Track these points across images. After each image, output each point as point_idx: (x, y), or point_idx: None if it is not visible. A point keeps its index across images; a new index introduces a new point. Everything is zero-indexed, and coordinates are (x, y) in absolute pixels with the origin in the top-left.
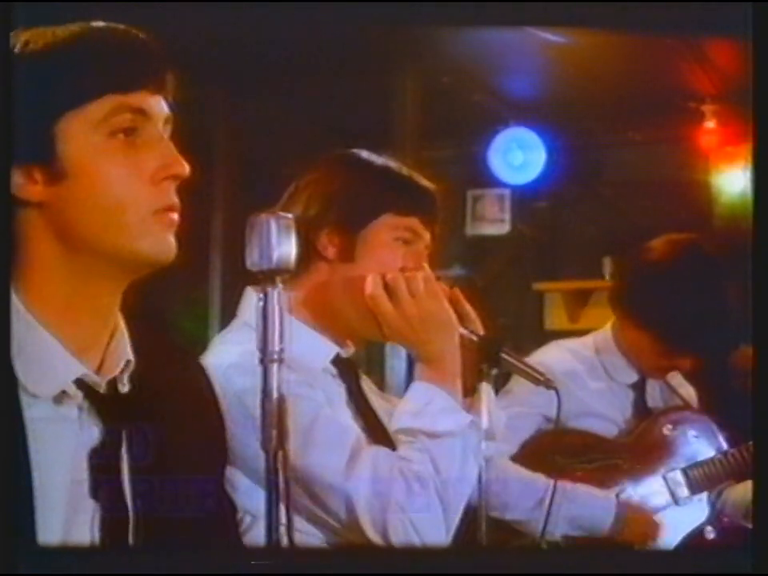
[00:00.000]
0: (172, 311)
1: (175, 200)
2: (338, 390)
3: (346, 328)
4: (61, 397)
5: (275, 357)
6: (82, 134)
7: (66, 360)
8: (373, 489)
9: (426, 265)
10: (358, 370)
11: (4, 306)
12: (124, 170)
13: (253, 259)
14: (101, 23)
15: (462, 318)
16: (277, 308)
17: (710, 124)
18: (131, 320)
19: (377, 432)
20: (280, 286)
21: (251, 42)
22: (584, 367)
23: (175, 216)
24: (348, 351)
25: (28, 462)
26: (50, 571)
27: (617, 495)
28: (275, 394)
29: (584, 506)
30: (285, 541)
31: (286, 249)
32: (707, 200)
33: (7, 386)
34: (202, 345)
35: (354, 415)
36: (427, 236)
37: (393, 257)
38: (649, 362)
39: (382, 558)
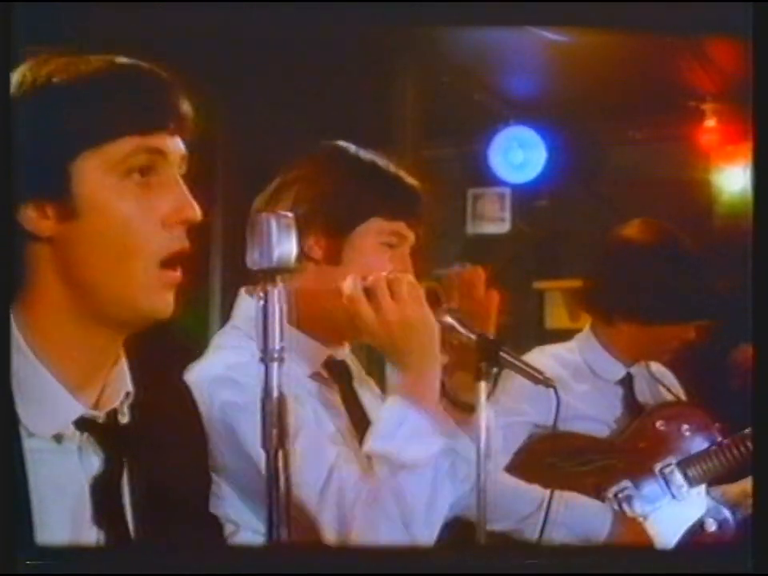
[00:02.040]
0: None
1: (185, 245)
2: (328, 395)
3: (336, 330)
4: (60, 436)
5: (275, 356)
6: (98, 173)
7: (64, 400)
8: (337, 515)
9: (410, 268)
10: (351, 371)
11: (4, 332)
12: (136, 211)
13: (253, 258)
14: (125, 60)
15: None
16: (277, 307)
17: (711, 122)
18: (131, 352)
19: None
20: (281, 284)
21: (251, 41)
22: (568, 371)
23: (178, 274)
24: (342, 352)
25: (27, 493)
26: (50, 571)
27: (616, 497)
28: (275, 393)
29: (581, 514)
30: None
31: (287, 247)
32: (707, 198)
33: (7, 415)
34: (202, 346)
35: (346, 419)
36: (412, 237)
37: (379, 261)
38: (635, 352)
39: (382, 558)
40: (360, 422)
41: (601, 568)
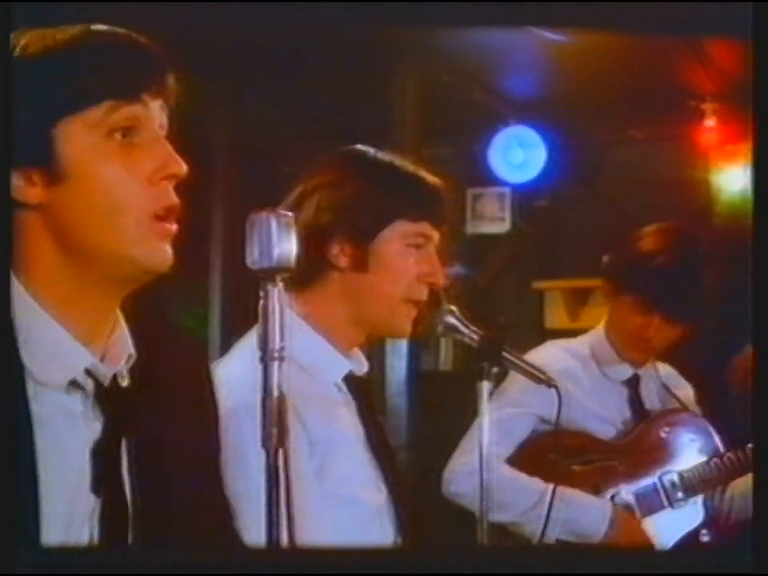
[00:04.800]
0: (172, 310)
1: (174, 200)
2: (344, 407)
3: (362, 334)
4: (70, 387)
5: (276, 355)
6: (80, 135)
7: (74, 348)
8: None
9: (438, 267)
10: (369, 391)
11: (6, 301)
12: (121, 171)
13: (253, 257)
14: (102, 26)
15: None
16: (277, 306)
17: (710, 122)
18: (131, 317)
19: (381, 448)
20: (281, 284)
21: (251, 41)
22: (580, 364)
23: (173, 226)
24: (362, 369)
25: (33, 457)
26: (50, 571)
27: (612, 500)
28: (276, 392)
29: (580, 511)
30: (285, 539)
31: (287, 246)
32: (707, 198)
33: (12, 382)
34: (203, 344)
35: (363, 431)
36: (436, 236)
37: (406, 264)
38: (646, 348)
39: (381, 557)
40: (376, 437)
41: (601, 568)
